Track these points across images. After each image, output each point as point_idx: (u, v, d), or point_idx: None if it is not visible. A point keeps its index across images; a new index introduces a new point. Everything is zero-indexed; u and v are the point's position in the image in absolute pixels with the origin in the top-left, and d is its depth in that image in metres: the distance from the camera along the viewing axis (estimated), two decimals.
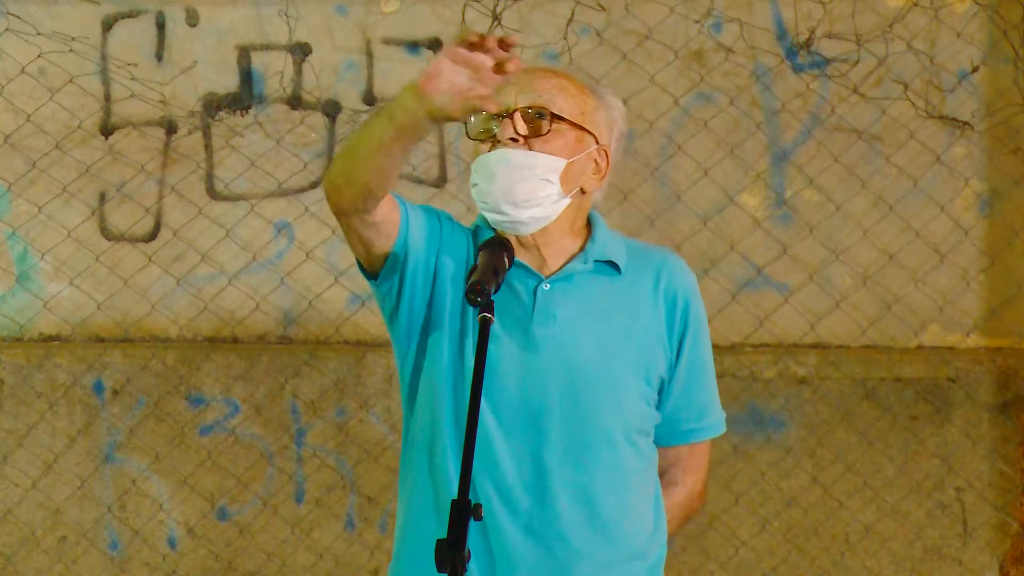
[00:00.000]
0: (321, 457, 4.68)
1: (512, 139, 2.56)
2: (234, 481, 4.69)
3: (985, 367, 4.62)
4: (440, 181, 4.72)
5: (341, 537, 4.69)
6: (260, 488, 4.70)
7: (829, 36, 4.63)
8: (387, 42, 4.71)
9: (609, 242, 2.67)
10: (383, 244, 2.59)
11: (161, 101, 4.72)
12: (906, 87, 4.63)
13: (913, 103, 4.64)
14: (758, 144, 4.69)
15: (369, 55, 4.71)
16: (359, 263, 2.66)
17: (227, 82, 4.74)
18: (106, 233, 4.79)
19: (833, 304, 4.70)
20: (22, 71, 4.71)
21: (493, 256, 2.52)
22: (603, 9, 4.64)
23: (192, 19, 4.73)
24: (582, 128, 2.60)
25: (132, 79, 4.71)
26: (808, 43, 4.64)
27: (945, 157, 4.66)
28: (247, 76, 4.73)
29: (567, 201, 2.61)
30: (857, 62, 4.63)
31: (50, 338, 4.81)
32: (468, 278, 2.48)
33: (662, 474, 2.74)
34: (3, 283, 4.80)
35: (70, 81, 4.71)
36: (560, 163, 2.57)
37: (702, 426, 2.73)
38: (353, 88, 4.72)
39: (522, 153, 2.56)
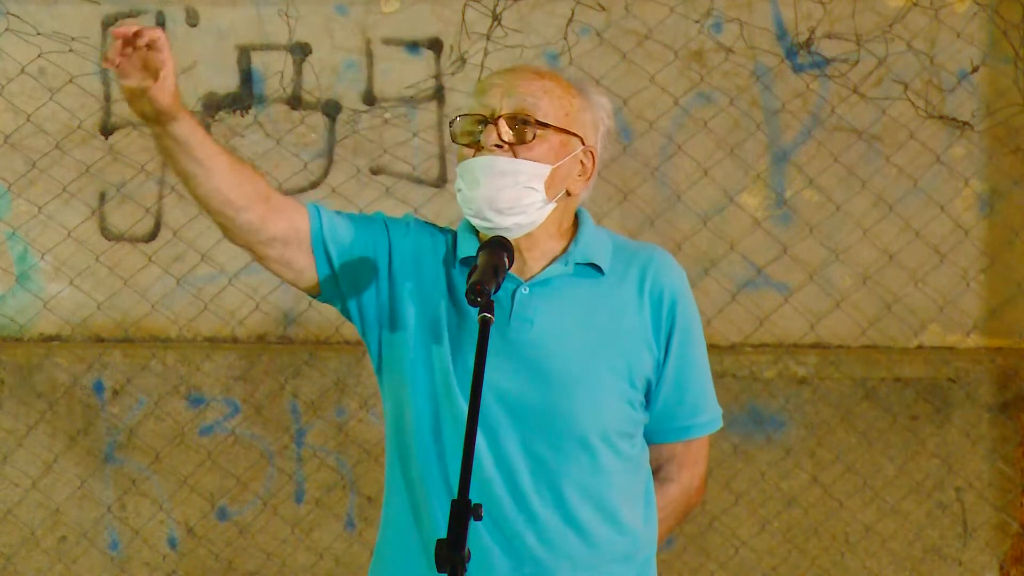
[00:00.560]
0: (321, 457, 4.68)
1: (497, 145, 2.53)
2: (234, 481, 4.69)
3: (985, 367, 4.62)
4: (440, 181, 4.72)
5: (341, 537, 4.69)
6: (260, 488, 4.70)
7: (829, 36, 4.63)
8: (387, 42, 4.71)
9: (593, 243, 2.64)
10: (300, 257, 2.57)
11: None
12: (906, 87, 4.63)
13: (913, 103, 4.64)
14: (758, 144, 4.69)
15: (369, 55, 4.71)
16: (305, 290, 2.65)
17: (227, 82, 4.74)
18: (106, 233, 4.79)
19: (833, 304, 4.70)
20: (22, 71, 4.71)
21: (493, 256, 2.50)
22: (603, 9, 4.64)
23: (192, 19, 4.73)
24: (568, 132, 2.58)
25: None
26: (808, 43, 4.64)
27: (945, 157, 4.66)
28: (247, 76, 4.73)
29: (552, 206, 2.58)
30: (857, 62, 4.63)
31: (50, 338, 4.81)
32: (468, 278, 2.48)
33: (656, 470, 2.72)
34: (3, 283, 4.80)
35: (70, 81, 4.71)
36: (545, 169, 2.55)
37: (695, 423, 2.71)
38: (353, 88, 4.72)
39: (506, 160, 2.53)
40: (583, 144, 2.61)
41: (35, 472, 4.72)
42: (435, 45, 4.68)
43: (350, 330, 4.72)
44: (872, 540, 4.64)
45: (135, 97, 2.38)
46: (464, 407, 2.51)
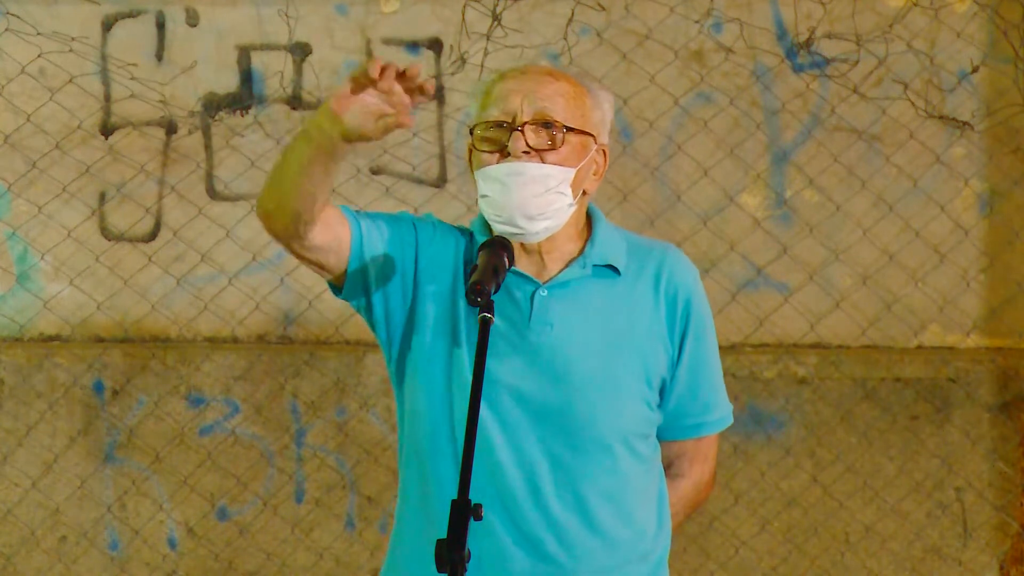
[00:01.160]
0: (321, 457, 4.68)
1: (524, 152, 2.53)
2: (234, 481, 4.69)
3: (985, 367, 4.62)
4: (440, 181, 4.72)
5: (341, 537, 4.69)
6: (260, 488, 4.70)
7: (829, 36, 4.63)
8: (387, 42, 4.71)
9: (608, 244, 2.65)
10: (336, 264, 2.58)
11: (161, 101, 4.72)
12: (906, 87, 4.63)
13: (913, 103, 4.64)
14: (758, 144, 4.69)
15: (369, 55, 4.70)
16: (328, 282, 2.65)
17: (227, 82, 4.74)
18: (106, 233, 4.79)
19: (833, 304, 4.70)
20: (22, 71, 4.71)
21: (493, 256, 2.50)
22: (603, 9, 4.64)
23: (192, 19, 4.73)
24: (584, 132, 2.59)
25: (132, 79, 4.71)
26: (808, 43, 4.64)
27: (945, 157, 4.66)
28: (247, 76, 4.73)
29: (574, 207, 2.60)
30: (857, 62, 4.63)
31: (50, 338, 4.81)
32: (467, 279, 2.48)
33: (668, 466, 2.73)
34: (3, 283, 4.80)
35: (70, 81, 4.71)
36: (570, 173, 2.56)
37: (707, 421, 2.72)
38: None
39: (535, 166, 2.54)
40: (596, 143, 2.62)
41: (35, 472, 4.71)
42: (435, 45, 4.68)
43: (350, 330, 4.72)
44: (872, 540, 4.64)
45: (365, 118, 2.33)
46: (483, 409, 2.51)
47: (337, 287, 2.64)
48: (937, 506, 4.64)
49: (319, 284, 4.72)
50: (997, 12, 4.60)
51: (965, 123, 4.64)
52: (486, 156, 2.57)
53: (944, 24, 4.61)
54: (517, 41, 4.63)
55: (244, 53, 4.73)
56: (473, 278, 2.44)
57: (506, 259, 2.53)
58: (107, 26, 4.73)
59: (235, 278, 4.75)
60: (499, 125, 2.55)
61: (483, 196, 2.57)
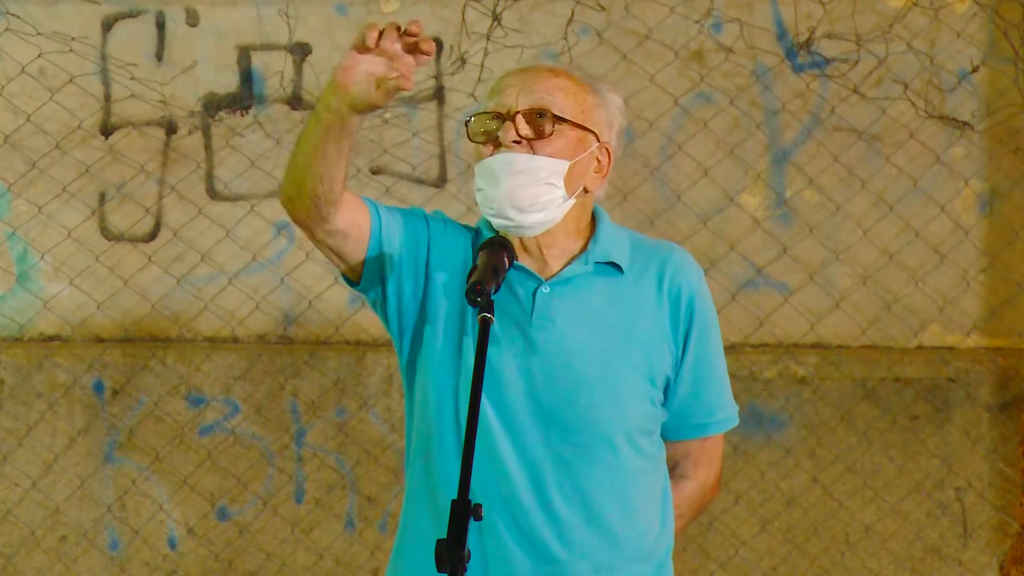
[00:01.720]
0: (321, 457, 4.68)
1: (515, 142, 2.54)
2: (234, 481, 4.69)
3: (985, 367, 4.62)
4: (440, 181, 4.72)
5: (341, 537, 4.69)
6: (260, 488, 4.70)
7: (829, 36, 4.63)
8: None
9: (612, 241, 2.65)
10: (355, 252, 2.59)
11: (161, 101, 4.72)
12: (906, 87, 4.63)
13: (913, 103, 4.64)
14: (758, 144, 4.69)
15: None
16: (342, 274, 2.66)
17: (227, 82, 4.74)
18: (106, 233, 4.79)
19: (833, 304, 4.70)
20: (22, 71, 4.71)
21: (493, 256, 2.51)
22: (603, 9, 4.64)
23: (192, 19, 4.73)
24: (583, 127, 2.59)
25: (132, 79, 4.71)
26: (808, 43, 4.64)
27: (945, 157, 4.66)
28: (247, 76, 4.73)
29: (571, 203, 2.60)
30: (857, 62, 4.63)
31: (50, 338, 4.81)
32: (468, 278, 2.48)
33: (672, 467, 2.73)
34: (3, 283, 4.80)
35: (70, 81, 4.71)
36: (563, 165, 2.56)
37: (712, 421, 2.71)
38: None
39: (525, 157, 2.54)
40: (598, 141, 2.62)
41: (35, 472, 4.71)
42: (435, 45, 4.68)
43: (350, 330, 4.72)
44: (872, 540, 4.64)
45: (370, 85, 2.33)
46: (486, 407, 2.52)
47: (352, 279, 2.65)
48: (937, 506, 4.64)
49: (319, 284, 4.73)
50: (997, 12, 4.61)
51: (965, 123, 4.64)
52: (481, 149, 2.58)
53: (944, 24, 4.61)
54: (517, 41, 4.63)
55: (244, 53, 4.73)
56: (473, 278, 2.45)
57: (506, 259, 2.53)
58: (107, 26, 4.73)
59: (235, 278, 4.76)
60: (495, 116, 2.56)
61: (478, 190, 2.59)
